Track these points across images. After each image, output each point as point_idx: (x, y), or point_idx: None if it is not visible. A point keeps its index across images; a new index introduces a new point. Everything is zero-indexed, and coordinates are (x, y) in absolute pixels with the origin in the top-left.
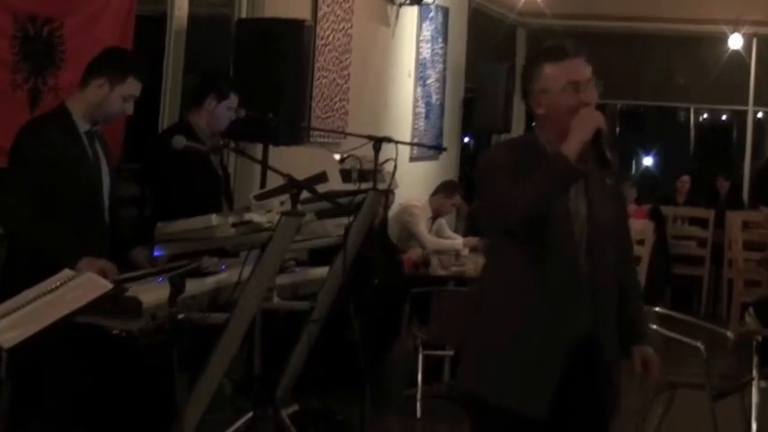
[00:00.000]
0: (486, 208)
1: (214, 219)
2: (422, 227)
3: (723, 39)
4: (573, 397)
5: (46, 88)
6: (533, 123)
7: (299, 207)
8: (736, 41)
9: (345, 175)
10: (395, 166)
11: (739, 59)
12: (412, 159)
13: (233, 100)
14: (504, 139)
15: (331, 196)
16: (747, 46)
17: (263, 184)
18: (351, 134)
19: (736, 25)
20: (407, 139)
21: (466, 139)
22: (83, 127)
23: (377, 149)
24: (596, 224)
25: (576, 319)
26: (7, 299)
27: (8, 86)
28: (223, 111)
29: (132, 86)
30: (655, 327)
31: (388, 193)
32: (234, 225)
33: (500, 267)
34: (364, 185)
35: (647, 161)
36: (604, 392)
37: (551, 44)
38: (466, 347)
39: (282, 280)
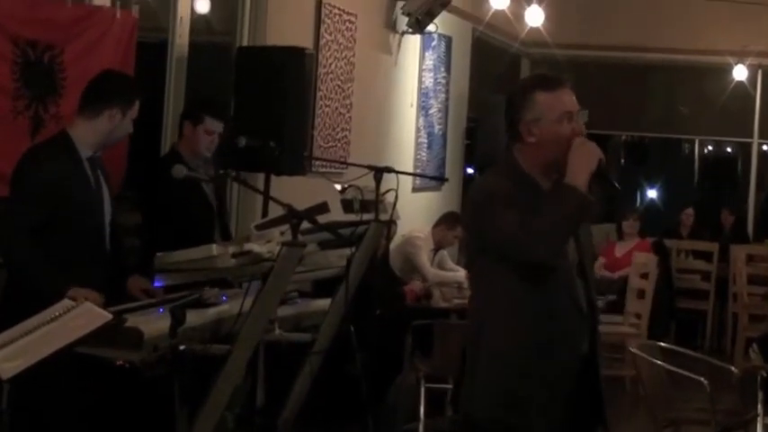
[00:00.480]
0: (491, 239)
1: (214, 249)
2: (424, 258)
3: (728, 70)
4: (576, 415)
5: (47, 116)
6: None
7: (300, 237)
8: (740, 73)
9: (347, 206)
10: (396, 197)
11: (744, 91)
12: (414, 190)
13: (210, 123)
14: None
15: (332, 227)
16: (752, 77)
17: (264, 214)
18: (352, 164)
19: (740, 56)
20: (409, 169)
21: (469, 170)
22: (85, 153)
23: (378, 180)
24: (583, 248)
25: (578, 340)
26: (7, 327)
27: (9, 113)
28: (201, 135)
29: (137, 108)
30: (659, 362)
31: (391, 224)
32: (234, 255)
33: (501, 295)
34: (366, 216)
35: (652, 194)
36: (603, 409)
37: (543, 73)
38: (471, 373)
39: (284, 311)
